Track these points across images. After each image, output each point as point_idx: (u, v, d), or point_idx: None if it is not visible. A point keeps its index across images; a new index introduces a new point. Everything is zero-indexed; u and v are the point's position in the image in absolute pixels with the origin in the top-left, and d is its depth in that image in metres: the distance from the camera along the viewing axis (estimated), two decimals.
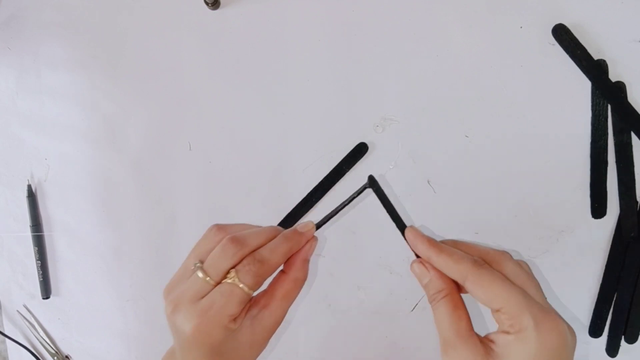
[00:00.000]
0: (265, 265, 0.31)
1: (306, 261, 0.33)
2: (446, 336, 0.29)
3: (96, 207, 0.51)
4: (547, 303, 0.29)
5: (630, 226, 0.39)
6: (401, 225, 0.34)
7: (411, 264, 0.32)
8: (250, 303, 0.32)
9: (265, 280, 0.32)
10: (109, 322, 0.53)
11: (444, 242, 0.32)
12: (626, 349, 0.42)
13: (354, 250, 0.46)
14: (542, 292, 0.30)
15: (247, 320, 0.31)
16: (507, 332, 0.27)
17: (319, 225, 0.35)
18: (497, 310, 0.27)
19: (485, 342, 0.28)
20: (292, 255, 0.33)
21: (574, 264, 0.42)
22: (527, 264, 0.32)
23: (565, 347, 0.26)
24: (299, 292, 0.33)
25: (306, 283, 0.47)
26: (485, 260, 0.30)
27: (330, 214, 0.35)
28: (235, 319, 0.30)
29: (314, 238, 0.34)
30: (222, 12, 0.46)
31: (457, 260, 0.29)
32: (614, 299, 0.41)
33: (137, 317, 0.52)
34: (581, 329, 0.43)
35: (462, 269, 0.29)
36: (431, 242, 0.31)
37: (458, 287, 0.30)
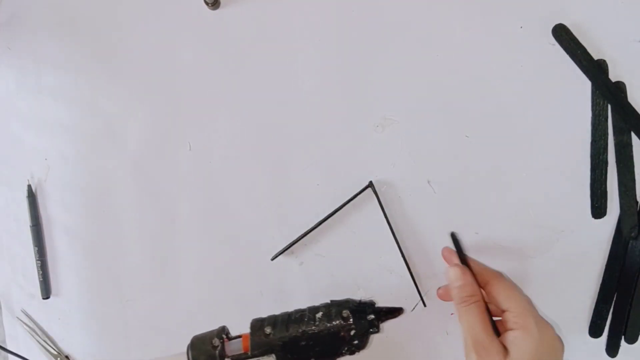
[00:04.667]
0: None
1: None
2: (477, 337, 0.34)
3: (96, 207, 0.51)
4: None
5: (630, 226, 0.39)
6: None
7: (447, 269, 0.38)
8: None
9: None
10: (109, 322, 0.53)
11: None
12: (626, 349, 0.42)
13: (354, 250, 0.46)
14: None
15: None
16: (513, 329, 0.33)
17: None
18: (505, 311, 0.34)
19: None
20: None
21: (574, 264, 0.42)
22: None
23: (556, 348, 0.34)
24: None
25: (306, 283, 0.47)
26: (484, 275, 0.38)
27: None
28: None
29: None
30: (222, 12, 0.46)
31: (482, 269, 0.37)
32: (614, 299, 0.41)
33: (137, 317, 0.52)
34: (581, 329, 0.43)
35: (486, 275, 0.37)
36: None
37: None
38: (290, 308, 0.42)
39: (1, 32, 0.52)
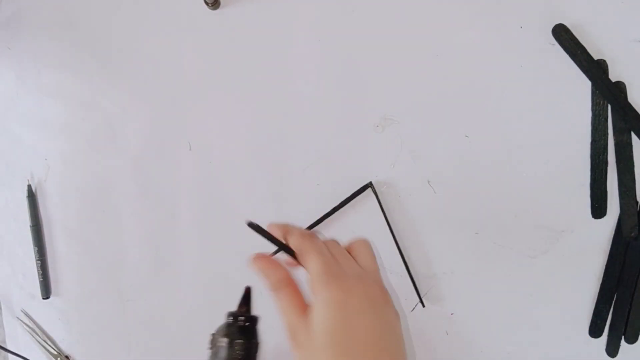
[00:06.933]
0: None
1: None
2: (291, 321, 0.31)
3: (96, 207, 0.51)
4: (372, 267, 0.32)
5: (630, 226, 0.39)
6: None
7: (251, 260, 0.33)
8: None
9: None
10: (109, 322, 0.53)
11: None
12: (626, 349, 0.42)
13: None
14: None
15: None
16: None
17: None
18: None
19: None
20: None
21: (574, 264, 0.42)
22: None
23: (342, 309, 0.28)
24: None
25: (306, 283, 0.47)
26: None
27: None
28: None
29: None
30: (222, 12, 0.46)
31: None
32: (614, 299, 0.41)
33: (137, 317, 0.52)
34: (581, 329, 0.43)
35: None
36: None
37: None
38: None
39: (1, 32, 0.52)
